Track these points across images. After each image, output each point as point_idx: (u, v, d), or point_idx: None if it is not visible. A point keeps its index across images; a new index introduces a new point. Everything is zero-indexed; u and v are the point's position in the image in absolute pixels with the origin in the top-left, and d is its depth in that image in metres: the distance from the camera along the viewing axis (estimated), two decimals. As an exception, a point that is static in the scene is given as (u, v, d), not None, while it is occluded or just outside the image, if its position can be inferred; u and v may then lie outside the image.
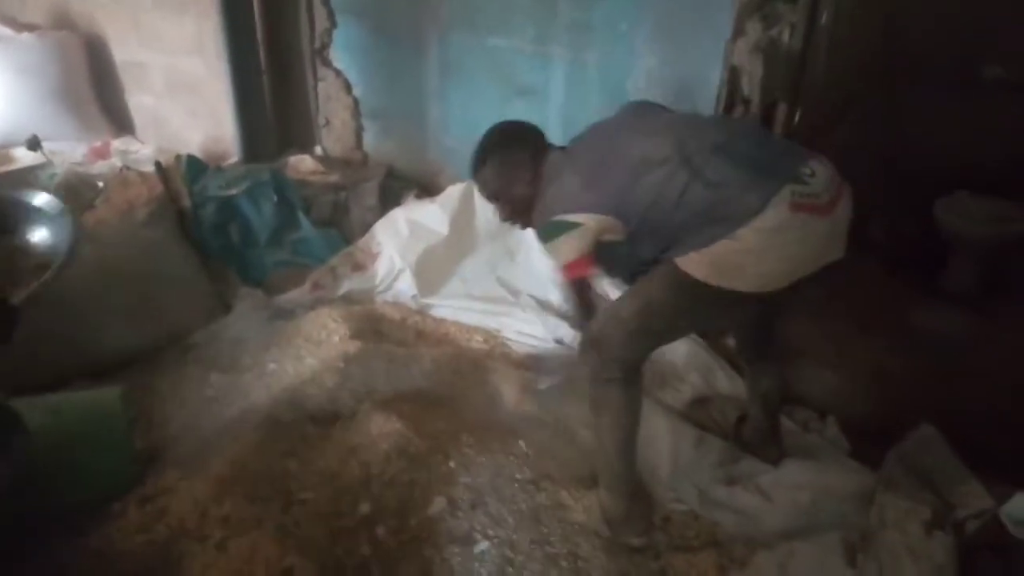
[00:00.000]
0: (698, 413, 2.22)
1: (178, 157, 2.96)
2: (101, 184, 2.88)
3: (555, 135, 2.98)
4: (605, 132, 1.82)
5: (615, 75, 2.78)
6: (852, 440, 2.17)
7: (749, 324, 1.97)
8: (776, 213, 1.49)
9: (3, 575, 1.61)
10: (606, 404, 1.75)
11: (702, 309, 1.67)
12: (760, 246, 1.50)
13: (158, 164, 2.86)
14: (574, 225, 1.68)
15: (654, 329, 1.72)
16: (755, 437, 2.06)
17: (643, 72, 2.71)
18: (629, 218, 1.65)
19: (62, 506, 1.77)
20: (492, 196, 1.95)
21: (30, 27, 4.06)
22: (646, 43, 2.68)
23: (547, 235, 1.75)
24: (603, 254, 1.77)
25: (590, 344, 1.76)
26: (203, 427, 2.11)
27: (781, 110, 2.49)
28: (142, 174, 2.80)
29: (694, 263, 1.56)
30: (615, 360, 1.71)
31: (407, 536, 1.75)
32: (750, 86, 2.48)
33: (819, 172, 1.56)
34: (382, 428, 1.96)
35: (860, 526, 1.80)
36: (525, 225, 1.99)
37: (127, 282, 2.39)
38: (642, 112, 1.89)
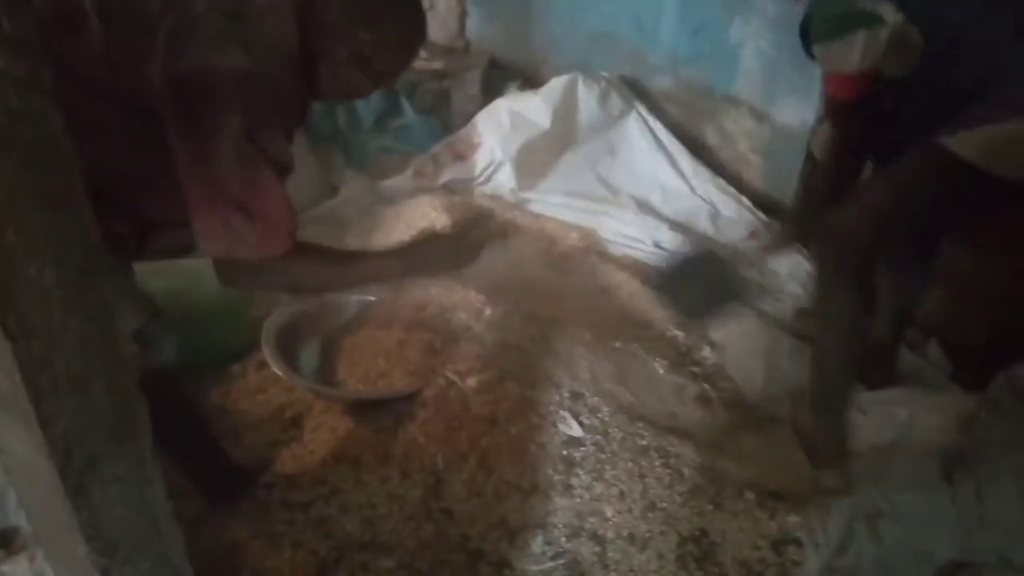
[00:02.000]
0: (798, 325, 2.19)
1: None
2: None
3: (670, 26, 2.88)
4: None
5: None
6: (956, 363, 2.11)
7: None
8: None
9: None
10: (837, 307, 1.55)
11: (961, 199, 1.44)
12: None
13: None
14: (872, 19, 1.38)
15: (906, 221, 1.51)
16: (865, 357, 1.86)
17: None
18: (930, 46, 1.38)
19: (188, 366, 1.92)
20: None
21: None
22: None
23: (828, 28, 1.45)
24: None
25: (828, 232, 1.53)
26: (312, 301, 2.21)
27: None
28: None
29: (967, 142, 1.34)
30: (857, 254, 1.49)
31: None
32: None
33: None
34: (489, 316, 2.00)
35: (958, 445, 1.77)
36: None
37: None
38: None
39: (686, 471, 1.65)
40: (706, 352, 2.09)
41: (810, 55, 1.60)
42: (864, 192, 1.54)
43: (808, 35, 1.56)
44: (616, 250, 2.55)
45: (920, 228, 1.60)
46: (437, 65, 3.27)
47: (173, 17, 1.09)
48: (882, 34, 1.37)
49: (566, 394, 1.78)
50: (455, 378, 1.77)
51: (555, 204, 2.73)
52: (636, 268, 2.44)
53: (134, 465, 0.53)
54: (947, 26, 1.38)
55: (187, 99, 1.09)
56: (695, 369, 2.00)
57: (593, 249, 2.54)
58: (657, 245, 2.53)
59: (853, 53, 1.41)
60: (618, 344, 2.00)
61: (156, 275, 1.74)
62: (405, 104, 3.00)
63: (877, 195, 1.48)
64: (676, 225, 2.56)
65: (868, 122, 1.55)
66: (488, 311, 1.97)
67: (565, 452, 1.67)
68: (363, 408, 1.76)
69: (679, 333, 2.13)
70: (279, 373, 1.67)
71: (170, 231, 1.29)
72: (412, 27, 1.35)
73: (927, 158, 1.41)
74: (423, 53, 3.41)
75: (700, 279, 1.94)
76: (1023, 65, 1.34)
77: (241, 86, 1.10)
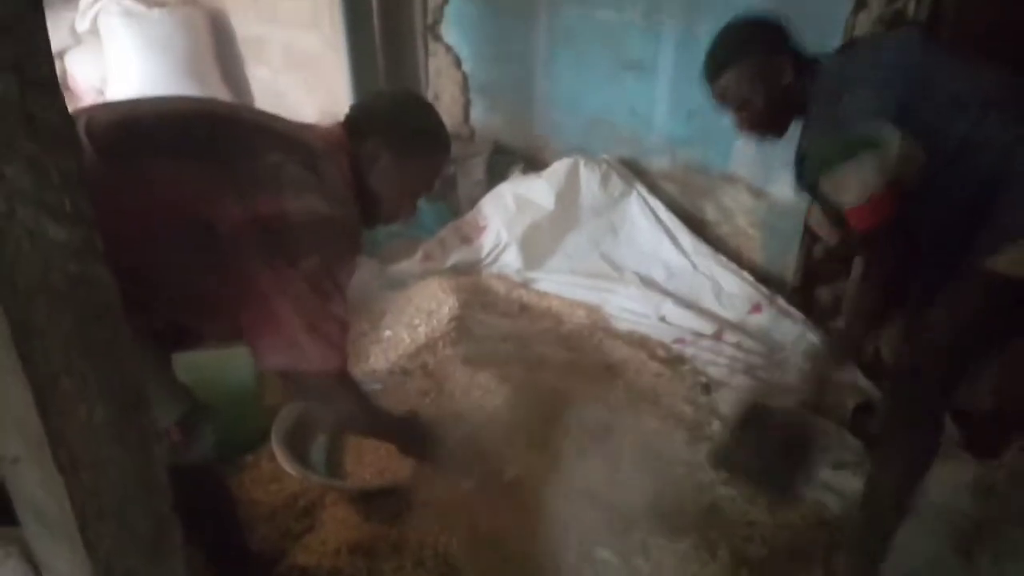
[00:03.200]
0: (809, 396, 2.20)
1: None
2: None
3: (664, 111, 3.01)
4: (892, 54, 1.50)
5: (727, 50, 2.73)
6: (969, 430, 2.11)
7: None
8: None
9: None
10: (910, 445, 1.51)
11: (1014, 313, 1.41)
12: None
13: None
14: (874, 142, 1.34)
15: (974, 350, 1.48)
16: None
17: (757, 47, 2.66)
18: (932, 162, 1.36)
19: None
20: (736, 103, 1.59)
21: (159, 3, 4.34)
22: (762, 17, 2.62)
23: (829, 158, 1.39)
24: None
25: (909, 373, 1.49)
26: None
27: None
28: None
29: (1015, 262, 1.32)
30: (939, 391, 1.47)
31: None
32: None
33: None
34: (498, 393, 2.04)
35: (975, 517, 1.77)
36: (775, 136, 1.64)
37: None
38: (923, 42, 1.59)
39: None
40: (715, 426, 2.11)
41: (810, 193, 1.58)
42: (930, 331, 1.46)
43: (803, 175, 1.52)
44: (622, 326, 2.61)
45: (986, 350, 1.57)
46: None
47: (255, 162, 1.25)
48: (891, 152, 1.35)
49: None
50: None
51: (561, 283, 2.81)
52: (643, 343, 2.49)
53: (168, 577, 0.58)
54: (950, 135, 1.37)
55: (273, 236, 1.22)
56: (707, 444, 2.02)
57: (599, 325, 2.60)
58: (662, 319, 2.58)
59: (865, 177, 1.36)
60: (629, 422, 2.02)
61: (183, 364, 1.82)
62: (413, 191, 3.11)
63: (944, 334, 1.43)
64: (680, 301, 2.61)
65: (905, 242, 1.46)
66: (498, 391, 2.01)
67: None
68: (372, 498, 1.79)
69: (687, 408, 2.16)
70: (289, 470, 1.72)
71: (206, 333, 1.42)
72: (444, 147, 1.53)
73: (983, 286, 1.37)
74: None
75: (768, 441, 1.89)
76: None
77: (323, 228, 1.26)
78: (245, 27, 4.37)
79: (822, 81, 1.49)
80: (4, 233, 0.43)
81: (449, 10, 3.54)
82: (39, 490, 0.48)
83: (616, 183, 2.96)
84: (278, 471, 1.97)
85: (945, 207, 1.41)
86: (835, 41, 2.45)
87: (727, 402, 2.17)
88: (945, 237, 1.44)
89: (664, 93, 2.98)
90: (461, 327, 2.42)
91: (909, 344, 1.56)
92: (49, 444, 0.46)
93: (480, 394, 2.01)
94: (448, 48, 3.61)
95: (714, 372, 2.31)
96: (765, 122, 1.59)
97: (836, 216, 1.51)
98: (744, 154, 2.73)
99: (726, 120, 2.77)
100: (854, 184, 1.38)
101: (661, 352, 2.43)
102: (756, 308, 2.53)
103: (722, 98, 1.61)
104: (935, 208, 1.42)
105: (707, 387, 2.26)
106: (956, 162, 1.37)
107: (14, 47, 0.43)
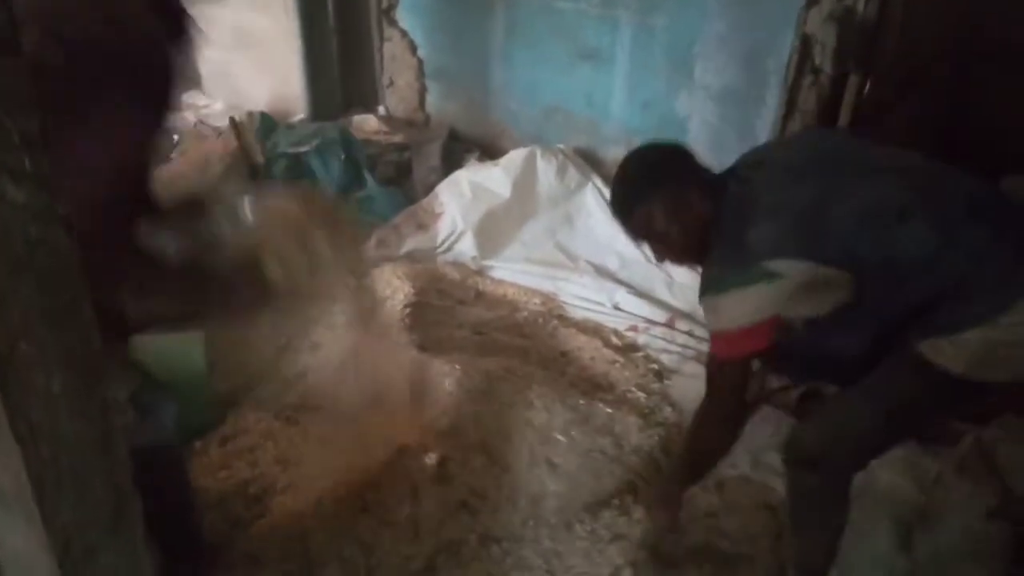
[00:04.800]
0: (755, 384, 2.26)
1: (251, 114, 3.06)
2: (176, 138, 2.99)
3: (620, 101, 3.04)
4: (800, 167, 1.46)
5: (683, 40, 2.78)
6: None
7: None
8: None
9: None
10: (821, 520, 1.51)
11: (946, 401, 1.41)
12: None
13: (232, 120, 2.96)
14: (769, 276, 1.31)
15: (895, 433, 1.46)
16: None
17: (712, 37, 2.71)
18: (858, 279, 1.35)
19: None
20: (652, 238, 1.55)
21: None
22: (715, 8, 2.67)
23: (721, 285, 1.37)
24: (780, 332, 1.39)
25: (808, 462, 1.45)
26: (278, 373, 2.23)
27: (852, 81, 2.47)
28: (216, 129, 2.90)
29: (949, 355, 1.30)
30: (845, 476, 1.45)
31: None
32: (822, 56, 2.47)
33: None
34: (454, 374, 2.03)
35: (917, 505, 1.82)
36: (691, 265, 1.62)
37: (206, 234, 2.51)
38: (841, 144, 1.59)
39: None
40: (667, 412, 2.15)
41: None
42: (840, 411, 1.47)
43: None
44: (577, 314, 2.63)
45: (911, 430, 1.58)
46: (398, 138, 3.37)
47: None
48: (780, 288, 1.32)
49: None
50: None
51: (516, 271, 2.81)
52: (597, 331, 2.52)
53: (128, 554, 0.56)
54: (868, 251, 1.34)
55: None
56: (659, 430, 2.05)
57: (554, 313, 2.61)
58: (616, 307, 2.61)
59: (747, 307, 1.34)
60: (582, 402, 2.04)
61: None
62: (368, 176, 3.08)
63: (861, 413, 1.42)
64: (633, 290, 2.65)
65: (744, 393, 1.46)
66: (455, 376, 2.01)
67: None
68: None
69: (641, 395, 2.19)
70: None
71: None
72: None
73: (905, 367, 1.36)
74: (384, 126, 3.52)
75: None
76: (997, 271, 1.31)
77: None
78: (193, 5, 4.23)
79: (728, 210, 1.43)
80: None
81: (406, -5, 3.50)
82: None
83: (572, 173, 2.98)
84: (228, 457, 1.94)
85: (879, 317, 1.39)
86: (786, 39, 2.54)
87: (679, 389, 2.22)
88: (879, 342, 1.41)
89: (620, 83, 3.01)
90: (416, 314, 2.41)
91: (812, 426, 1.52)
92: (6, 413, 0.44)
93: (435, 379, 2.00)
94: (403, 33, 3.57)
95: (666, 360, 2.36)
96: (684, 252, 1.55)
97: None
98: (698, 145, 2.76)
99: (680, 109, 2.84)
100: (729, 312, 1.36)
101: (615, 340, 2.46)
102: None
103: (637, 235, 1.57)
104: (869, 319, 1.39)
105: (660, 374, 2.31)
106: (884, 274, 1.34)
107: None
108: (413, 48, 3.58)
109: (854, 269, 1.35)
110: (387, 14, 3.57)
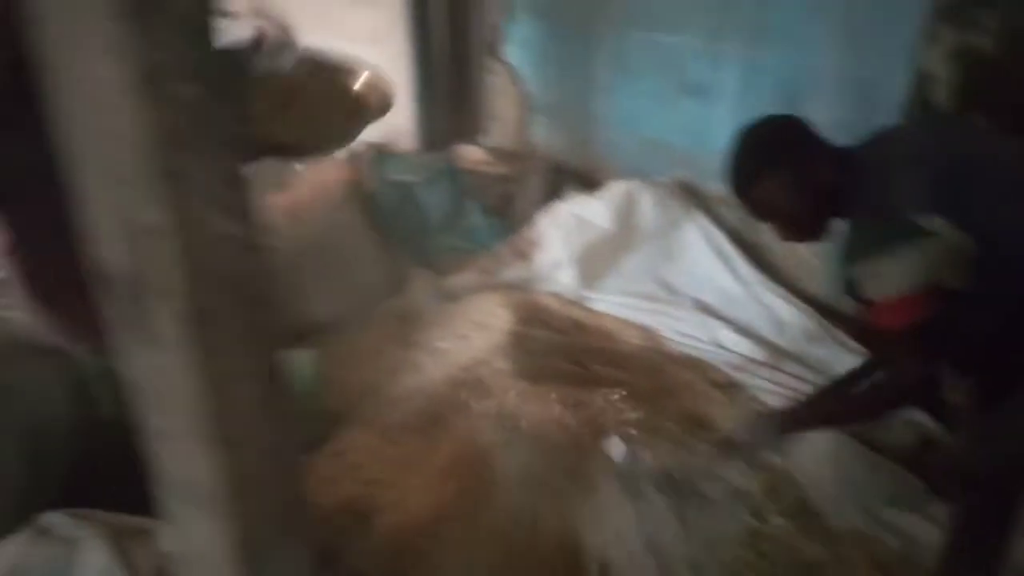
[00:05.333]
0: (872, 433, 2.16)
1: (366, 145, 3.21)
2: (298, 167, 3.16)
3: (725, 136, 3.01)
4: (937, 132, 1.41)
5: (790, 74, 2.74)
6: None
7: None
8: None
9: None
10: (983, 549, 1.41)
11: None
12: None
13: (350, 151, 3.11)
14: (919, 233, 1.20)
15: None
16: (945, 470, 1.79)
17: (821, 72, 2.66)
18: (987, 256, 1.22)
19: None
20: (774, 215, 1.49)
21: (231, 15, 4.48)
22: (825, 42, 2.62)
23: (867, 249, 1.27)
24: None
25: (971, 483, 1.38)
26: (384, 393, 2.31)
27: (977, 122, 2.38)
28: (334, 160, 3.05)
29: None
30: (1010, 501, 1.35)
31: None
32: (941, 94, 2.39)
33: None
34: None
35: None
36: (816, 239, 1.54)
37: (322, 257, 2.64)
38: (968, 125, 1.48)
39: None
40: (773, 456, 2.08)
41: (857, 299, 1.40)
42: (997, 439, 1.36)
43: (844, 269, 1.37)
44: (677, 349, 2.60)
45: None
46: (502, 169, 3.45)
47: None
48: (938, 248, 1.21)
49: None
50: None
51: (615, 303, 2.81)
52: (698, 367, 2.48)
53: (297, 555, 0.60)
54: (1006, 223, 1.25)
55: None
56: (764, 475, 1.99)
57: (654, 347, 2.60)
58: (718, 345, 2.57)
59: (903, 270, 1.22)
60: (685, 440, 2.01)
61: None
62: (472, 206, 3.17)
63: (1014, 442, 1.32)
64: (736, 327, 2.60)
65: (932, 364, 1.32)
66: (553, 405, 2.02)
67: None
68: None
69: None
70: None
71: None
72: None
73: None
74: (489, 157, 3.61)
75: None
76: None
77: None
78: (310, 41, 4.48)
79: (862, 172, 1.36)
80: (186, 227, 0.47)
81: (511, 29, 3.60)
82: (190, 464, 0.51)
83: (673, 207, 2.97)
84: (335, 473, 2.01)
85: (1005, 304, 1.29)
86: (900, 75, 2.47)
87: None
88: (1008, 335, 1.30)
89: (725, 117, 2.98)
90: (515, 341, 2.45)
91: (977, 452, 1.44)
92: (210, 420, 0.49)
93: (536, 407, 2.03)
94: (509, 67, 3.67)
95: (772, 402, 2.29)
96: (805, 228, 1.49)
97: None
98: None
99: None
100: (890, 276, 1.24)
101: (717, 377, 2.42)
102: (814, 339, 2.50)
103: (756, 212, 1.51)
104: (994, 304, 1.29)
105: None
106: (1016, 252, 1.25)
107: (201, 53, 0.47)
108: (519, 81, 3.67)
109: (988, 240, 1.23)
110: (493, 48, 3.68)
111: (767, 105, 2.83)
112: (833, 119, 2.64)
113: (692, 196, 3.03)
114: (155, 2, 0.45)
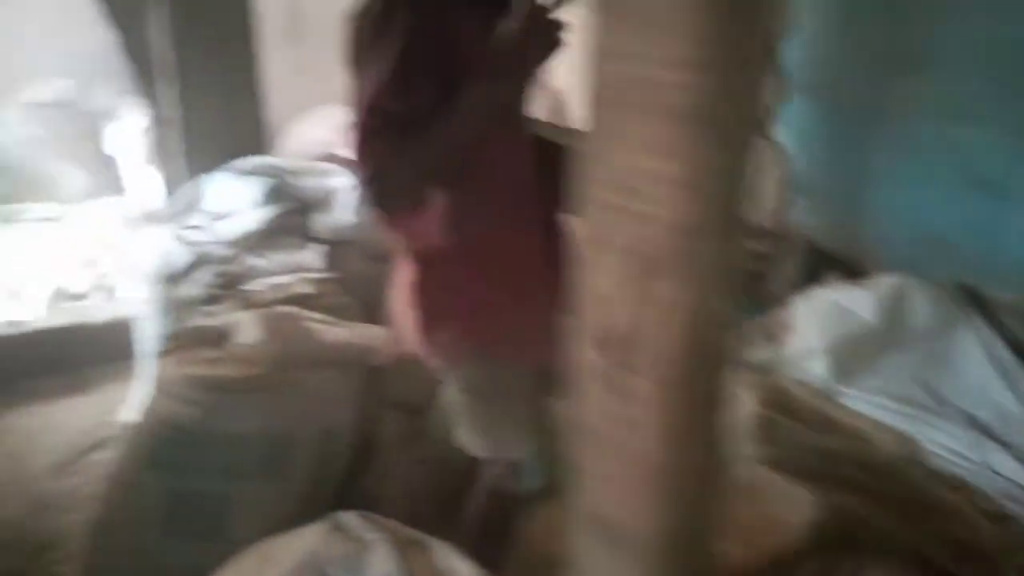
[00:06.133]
0: None
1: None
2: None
3: (1015, 238, 2.77)
4: None
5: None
6: None
7: None
8: None
9: None
10: None
11: None
12: None
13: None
14: None
15: None
16: None
17: None
18: None
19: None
20: None
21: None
22: None
23: None
24: None
25: None
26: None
27: None
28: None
29: None
30: None
31: None
32: None
33: None
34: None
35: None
36: None
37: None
38: None
39: None
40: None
41: None
42: None
43: None
44: (939, 464, 2.40)
45: None
46: (756, 247, 3.41)
47: None
48: None
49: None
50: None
51: (871, 403, 2.66)
52: (963, 489, 2.27)
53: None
54: None
55: None
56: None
57: (914, 459, 2.42)
58: (991, 468, 2.34)
59: None
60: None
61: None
62: (724, 281, 3.17)
63: None
64: (1014, 452, 2.35)
65: None
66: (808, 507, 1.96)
67: None
68: None
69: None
70: None
71: None
72: None
73: None
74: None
75: None
76: None
77: None
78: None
79: None
80: (694, 303, 0.55)
81: (786, 109, 3.57)
82: (624, 510, 0.59)
83: (951, 309, 2.76)
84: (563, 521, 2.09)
85: None
86: None
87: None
88: None
89: (1018, 218, 2.74)
90: (764, 427, 2.40)
91: None
92: (663, 474, 0.57)
93: (788, 504, 1.98)
94: (776, 144, 3.63)
95: (1052, 543, 2.05)
96: None
97: None
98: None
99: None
100: None
101: (987, 506, 2.20)
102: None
103: None
104: None
105: (1045, 559, 2.01)
106: None
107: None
108: (784, 159, 3.63)
109: None
110: (763, 125, 3.67)
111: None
112: None
113: (974, 301, 2.80)
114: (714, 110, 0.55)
